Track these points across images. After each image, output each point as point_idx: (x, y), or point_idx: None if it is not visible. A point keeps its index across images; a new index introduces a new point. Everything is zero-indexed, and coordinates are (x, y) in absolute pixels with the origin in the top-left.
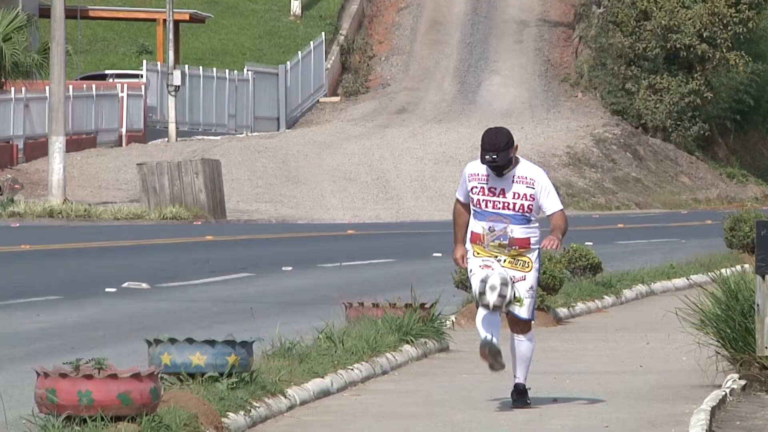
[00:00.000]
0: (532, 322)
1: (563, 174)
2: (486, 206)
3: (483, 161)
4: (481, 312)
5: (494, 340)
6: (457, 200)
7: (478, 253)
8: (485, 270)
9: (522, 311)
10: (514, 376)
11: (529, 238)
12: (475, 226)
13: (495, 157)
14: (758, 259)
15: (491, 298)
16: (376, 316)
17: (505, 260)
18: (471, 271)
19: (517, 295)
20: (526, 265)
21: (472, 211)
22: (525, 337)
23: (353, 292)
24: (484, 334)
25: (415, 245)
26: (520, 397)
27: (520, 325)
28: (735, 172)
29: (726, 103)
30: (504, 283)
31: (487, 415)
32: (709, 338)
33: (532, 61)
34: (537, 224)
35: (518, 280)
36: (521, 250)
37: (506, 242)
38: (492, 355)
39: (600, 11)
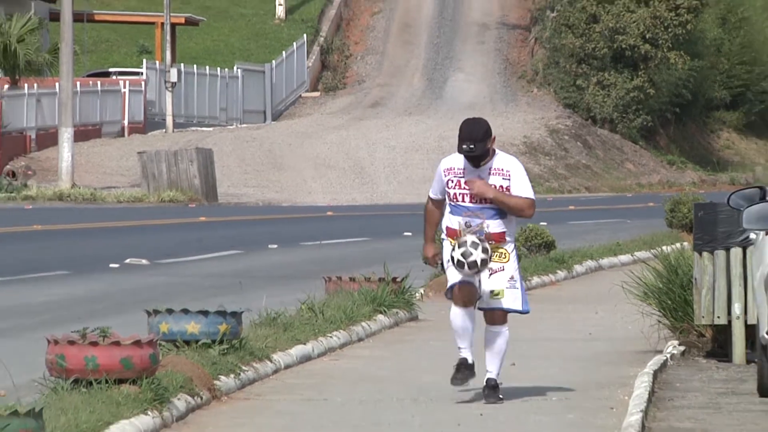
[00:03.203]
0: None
1: (520, 162)
2: (463, 200)
3: (460, 151)
4: (456, 312)
5: (470, 360)
6: (430, 198)
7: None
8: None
9: (503, 302)
10: (487, 371)
11: (504, 233)
12: (451, 221)
13: (472, 147)
14: (696, 238)
15: (478, 255)
16: (352, 289)
17: None
18: (447, 262)
19: (495, 288)
20: (503, 255)
21: (448, 206)
22: (502, 328)
23: (332, 267)
24: (462, 349)
25: (388, 225)
26: (492, 392)
27: (498, 317)
28: (675, 159)
29: (666, 98)
30: (481, 241)
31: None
32: (652, 309)
33: (493, 59)
34: (513, 218)
35: (497, 271)
36: (497, 244)
37: (482, 237)
38: (464, 375)
39: (553, 15)
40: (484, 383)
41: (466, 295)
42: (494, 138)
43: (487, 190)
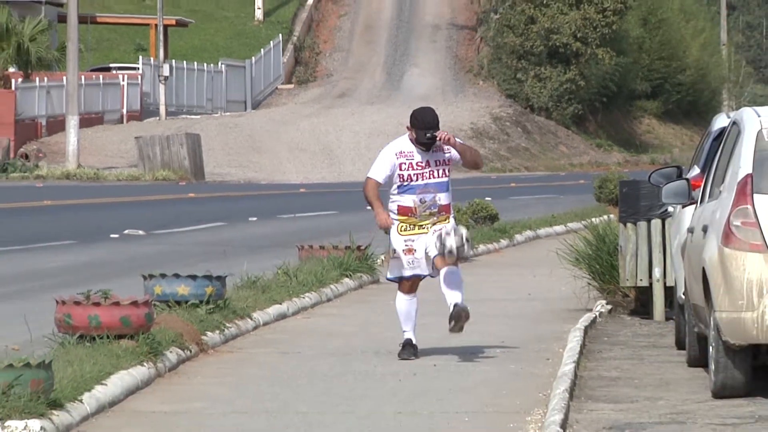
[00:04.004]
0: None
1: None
2: (417, 179)
3: (421, 139)
4: (401, 297)
5: (414, 340)
6: (374, 180)
7: (403, 229)
8: (432, 239)
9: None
10: (455, 304)
11: (449, 204)
12: (404, 200)
13: (434, 135)
14: (621, 211)
15: (451, 242)
16: (322, 256)
17: (428, 225)
18: (394, 252)
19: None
20: (446, 219)
21: (396, 188)
22: (456, 266)
23: (305, 237)
24: (406, 331)
25: (353, 200)
26: (460, 312)
27: (449, 260)
28: (602, 142)
29: (595, 89)
30: (455, 232)
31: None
32: (583, 273)
33: (444, 56)
34: (451, 194)
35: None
36: (446, 215)
37: (436, 210)
38: (410, 352)
39: (496, 17)
40: (453, 308)
41: (414, 285)
42: None
43: (452, 140)
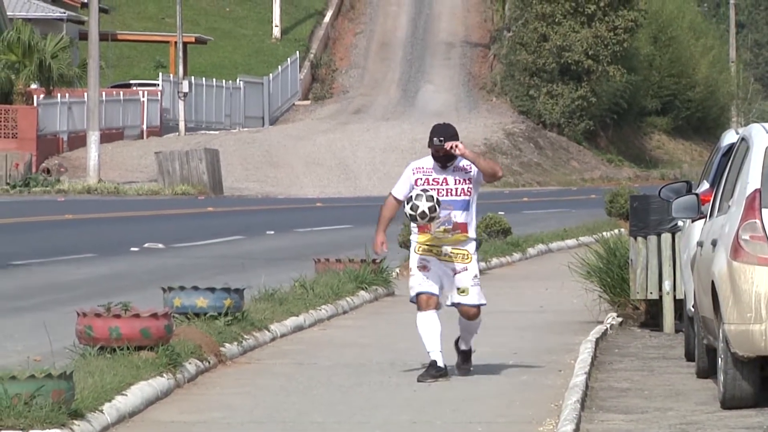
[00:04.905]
0: (481, 306)
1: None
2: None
3: (431, 145)
4: (422, 315)
5: (440, 363)
6: (393, 195)
7: (419, 247)
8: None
9: (470, 299)
10: (461, 346)
11: (467, 224)
12: None
13: (442, 139)
14: (631, 225)
15: (424, 205)
16: (338, 269)
17: (447, 254)
18: (411, 270)
19: (461, 286)
20: (466, 257)
21: None
22: (476, 319)
23: (321, 250)
24: (431, 352)
25: (369, 214)
26: (465, 359)
27: (472, 313)
28: (613, 158)
29: (606, 105)
30: (424, 191)
31: (419, 345)
32: (594, 285)
33: (458, 73)
34: (474, 209)
35: (460, 272)
36: (462, 234)
37: (450, 227)
38: (432, 374)
39: (509, 35)
40: (459, 354)
41: (429, 301)
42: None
43: (461, 148)
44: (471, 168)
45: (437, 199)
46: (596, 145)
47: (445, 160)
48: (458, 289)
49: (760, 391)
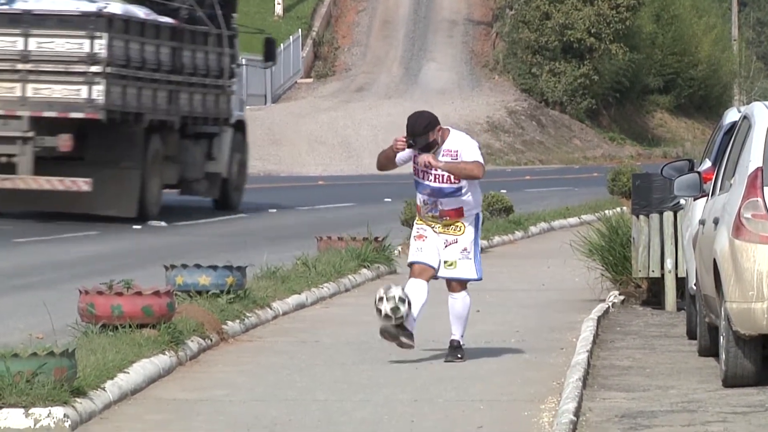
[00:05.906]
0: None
1: (484, 138)
2: (421, 178)
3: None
4: (408, 283)
5: (408, 327)
6: (390, 151)
7: (419, 221)
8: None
9: (455, 272)
10: (451, 333)
11: (461, 208)
12: (417, 196)
13: (412, 142)
14: (633, 203)
15: (384, 307)
16: (340, 247)
17: (438, 227)
18: (413, 237)
19: (448, 259)
20: (459, 229)
21: (414, 181)
22: (458, 295)
23: (323, 228)
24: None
25: (371, 193)
26: (452, 351)
27: (454, 285)
28: (615, 136)
29: (609, 84)
30: (401, 299)
31: (424, 322)
32: (596, 264)
33: (460, 51)
34: (470, 193)
35: (450, 244)
36: (455, 219)
37: (437, 214)
38: (392, 334)
39: (512, 13)
40: (449, 344)
41: (422, 272)
42: (439, 128)
43: (434, 163)
44: (458, 153)
45: (406, 301)
46: (599, 123)
47: (426, 149)
48: (445, 262)
49: (762, 370)
